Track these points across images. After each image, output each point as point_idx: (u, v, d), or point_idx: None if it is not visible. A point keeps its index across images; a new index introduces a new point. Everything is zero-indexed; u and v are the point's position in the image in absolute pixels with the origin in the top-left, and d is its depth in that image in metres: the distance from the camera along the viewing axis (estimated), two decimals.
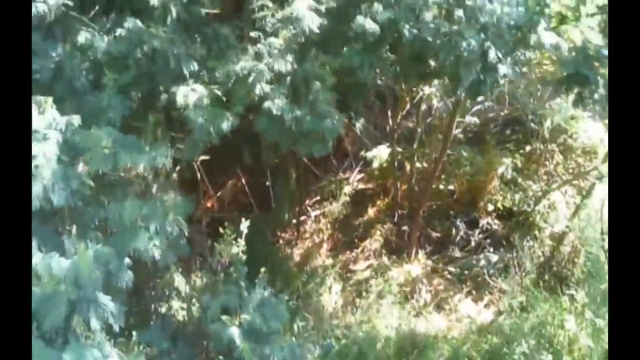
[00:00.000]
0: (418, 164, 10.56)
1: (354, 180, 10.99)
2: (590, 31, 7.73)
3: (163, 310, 7.06)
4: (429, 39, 6.21)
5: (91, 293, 4.94)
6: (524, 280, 9.20)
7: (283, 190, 10.34)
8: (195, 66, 6.09)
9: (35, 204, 4.79)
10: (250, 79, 5.89)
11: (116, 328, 4.93)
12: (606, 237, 9.08)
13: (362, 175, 11.05)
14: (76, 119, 5.00)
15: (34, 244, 4.88)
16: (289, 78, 6.25)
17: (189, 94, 6.01)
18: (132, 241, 5.45)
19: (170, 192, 6.31)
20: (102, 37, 5.80)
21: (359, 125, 10.77)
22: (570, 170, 10.58)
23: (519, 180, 10.41)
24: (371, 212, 10.64)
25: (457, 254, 10.02)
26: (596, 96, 7.08)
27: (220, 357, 6.03)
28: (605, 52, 6.83)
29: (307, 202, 10.67)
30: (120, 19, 6.04)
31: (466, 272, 9.70)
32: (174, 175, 7.74)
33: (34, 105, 4.94)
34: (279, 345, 5.85)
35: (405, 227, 10.25)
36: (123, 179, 5.83)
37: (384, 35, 6.21)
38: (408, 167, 10.61)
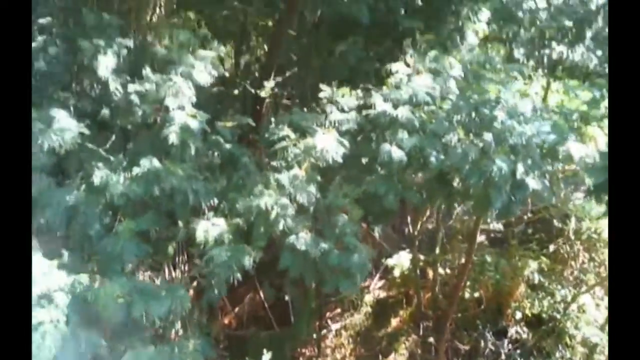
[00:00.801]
0: (441, 270, 10.20)
1: (375, 289, 10.62)
2: None
3: None
4: (456, 163, 5.97)
5: None
6: None
7: (302, 303, 9.95)
8: (215, 200, 5.84)
9: None
10: (273, 215, 5.61)
11: None
12: None
13: (383, 282, 10.68)
14: (84, 278, 4.74)
15: None
16: (312, 208, 5.98)
17: (209, 229, 5.72)
18: None
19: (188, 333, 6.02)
20: (118, 176, 5.56)
21: (377, 229, 10.51)
22: (597, 270, 10.19)
23: (546, 284, 10.03)
24: (394, 322, 10.20)
25: None
26: None
27: None
28: None
29: (327, 314, 10.26)
30: (137, 154, 5.84)
31: None
32: (191, 291, 7.46)
33: (41, 266, 4.69)
34: None
35: (431, 339, 9.79)
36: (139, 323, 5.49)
37: (409, 162, 5.99)
38: (430, 273, 10.25)
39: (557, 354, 9.37)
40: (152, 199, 5.56)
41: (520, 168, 6.10)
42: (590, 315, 9.71)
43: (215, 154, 6.30)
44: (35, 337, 4.40)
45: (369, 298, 10.44)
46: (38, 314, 4.47)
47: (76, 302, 4.73)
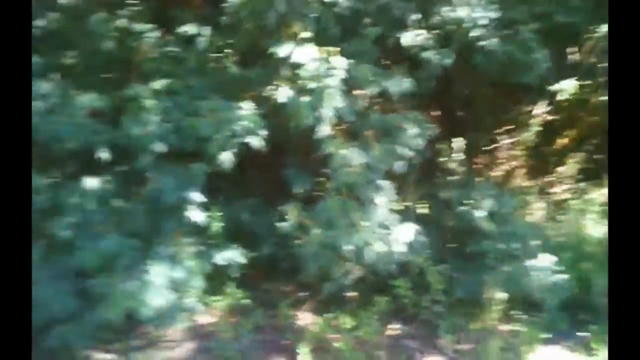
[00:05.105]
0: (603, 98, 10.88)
1: (542, 113, 11.35)
2: None
3: None
4: None
5: None
6: None
7: (474, 119, 10.82)
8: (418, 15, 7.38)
9: None
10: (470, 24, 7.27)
11: None
12: None
13: (549, 108, 11.40)
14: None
15: None
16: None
17: (413, 38, 7.40)
18: None
19: None
20: None
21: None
22: None
23: None
24: (560, 142, 11.03)
25: None
26: None
27: None
28: None
29: (497, 130, 11.10)
30: None
31: None
32: None
33: None
34: None
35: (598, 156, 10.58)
36: None
37: None
38: (593, 100, 10.97)
39: None
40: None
41: None
42: None
43: None
44: None
45: (535, 121, 11.21)
46: None
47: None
